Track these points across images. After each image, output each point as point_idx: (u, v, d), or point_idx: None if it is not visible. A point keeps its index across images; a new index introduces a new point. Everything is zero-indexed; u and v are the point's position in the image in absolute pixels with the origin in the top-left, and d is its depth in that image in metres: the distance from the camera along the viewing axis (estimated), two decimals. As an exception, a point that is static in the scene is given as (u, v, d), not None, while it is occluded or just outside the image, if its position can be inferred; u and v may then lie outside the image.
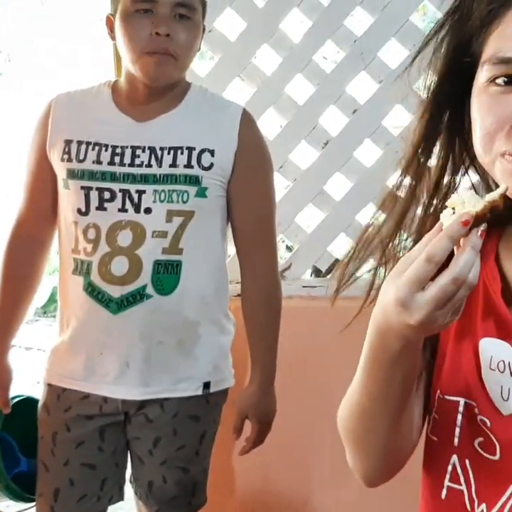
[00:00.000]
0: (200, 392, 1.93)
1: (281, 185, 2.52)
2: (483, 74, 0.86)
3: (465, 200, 0.80)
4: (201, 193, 1.85)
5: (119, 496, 2.02)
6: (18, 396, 2.04)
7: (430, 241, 0.79)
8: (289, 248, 3.70)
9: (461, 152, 0.94)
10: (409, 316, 0.80)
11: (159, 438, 1.94)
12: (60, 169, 1.89)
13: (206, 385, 1.94)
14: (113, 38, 1.86)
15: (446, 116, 0.93)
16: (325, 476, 2.50)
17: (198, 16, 1.82)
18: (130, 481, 2.05)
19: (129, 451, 2.01)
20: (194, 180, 1.84)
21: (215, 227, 1.92)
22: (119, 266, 1.84)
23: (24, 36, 7.62)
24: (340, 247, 2.69)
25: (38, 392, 2.04)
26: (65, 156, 1.87)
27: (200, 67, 2.48)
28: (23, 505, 2.00)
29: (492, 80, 0.85)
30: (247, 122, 1.91)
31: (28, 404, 2.01)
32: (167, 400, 1.92)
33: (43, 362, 2.00)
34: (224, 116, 1.90)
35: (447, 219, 0.80)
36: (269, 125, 2.52)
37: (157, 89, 1.84)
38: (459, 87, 0.90)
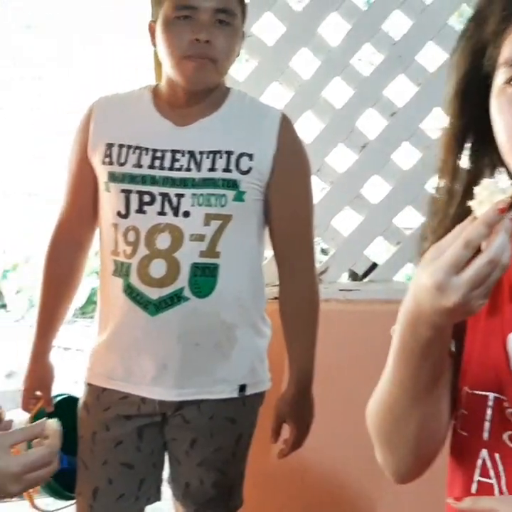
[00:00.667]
0: (236, 394, 1.95)
1: (317, 188, 2.52)
2: (500, 76, 0.90)
3: (491, 188, 0.83)
4: (239, 197, 1.86)
5: (157, 497, 2.04)
6: (60, 395, 2.07)
7: (463, 230, 0.82)
8: (324, 251, 3.70)
9: (490, 153, 0.95)
10: (446, 299, 0.82)
11: (196, 439, 1.95)
12: (102, 172, 1.91)
13: (242, 388, 1.95)
14: (154, 44, 1.87)
15: (472, 118, 0.95)
16: (363, 478, 2.50)
17: (237, 22, 1.83)
18: (168, 482, 2.07)
19: (166, 452, 2.03)
20: (232, 184, 1.85)
21: (252, 231, 1.93)
22: (158, 268, 1.85)
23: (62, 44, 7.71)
24: (377, 250, 2.68)
25: (77, 392, 2.07)
26: (107, 160, 1.90)
27: (237, 71, 2.49)
28: (62, 503, 2.01)
29: (508, 82, 0.89)
30: (286, 126, 1.92)
31: (69, 402, 2.04)
32: (204, 401, 1.93)
33: (84, 362, 2.03)
34: (263, 120, 1.91)
35: (477, 207, 0.83)
36: (307, 128, 2.52)
37: (196, 93, 1.86)
38: (482, 90, 0.93)
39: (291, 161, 1.91)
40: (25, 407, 2.03)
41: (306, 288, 1.97)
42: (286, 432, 2.01)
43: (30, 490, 1.90)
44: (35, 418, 1.96)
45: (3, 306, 6.56)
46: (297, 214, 1.95)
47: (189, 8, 1.78)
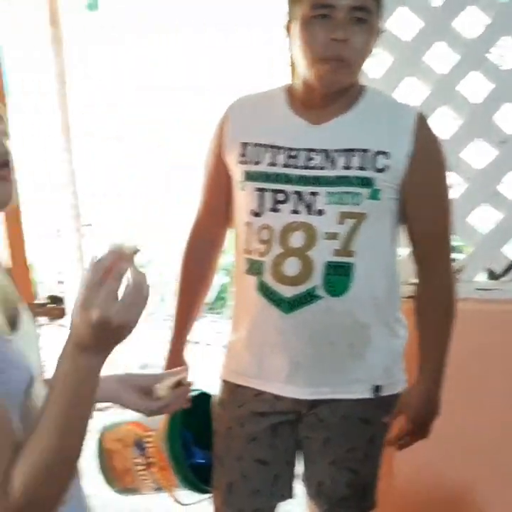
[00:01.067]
0: (370, 395, 1.93)
1: (454, 184, 2.47)
2: None
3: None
4: (374, 195, 1.84)
5: (290, 494, 2.05)
6: (194, 390, 2.10)
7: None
8: (456, 248, 3.61)
9: None
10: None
11: (329, 438, 1.95)
12: (237, 171, 1.93)
13: (377, 388, 1.93)
14: (290, 43, 1.88)
15: None
16: (492, 479, 2.44)
17: (374, 19, 1.79)
18: (301, 480, 2.07)
19: (300, 450, 2.04)
20: (367, 183, 1.83)
21: (387, 230, 1.91)
22: (291, 266, 1.86)
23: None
24: (517, 249, 2.60)
25: (202, 385, 2.10)
26: (242, 159, 1.91)
27: (372, 67, 2.46)
28: (200, 496, 2.05)
29: None
30: (422, 125, 1.88)
31: (202, 398, 2.07)
32: (337, 401, 1.93)
33: (219, 358, 2.06)
34: (399, 118, 1.88)
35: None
36: (443, 124, 2.47)
37: (331, 93, 1.84)
38: None
39: (428, 159, 1.87)
40: None
41: (444, 287, 1.94)
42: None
43: (169, 484, 1.95)
44: (172, 414, 2.00)
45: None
46: (435, 213, 1.92)
47: (326, 6, 1.75)
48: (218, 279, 5.05)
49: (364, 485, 2.01)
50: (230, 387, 2.01)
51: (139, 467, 1.96)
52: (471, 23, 2.50)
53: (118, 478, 2.01)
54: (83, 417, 1.07)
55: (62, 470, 1.05)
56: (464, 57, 2.43)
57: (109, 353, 1.08)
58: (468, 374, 2.34)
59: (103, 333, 1.03)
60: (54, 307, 4.76)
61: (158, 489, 1.99)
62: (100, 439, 2.00)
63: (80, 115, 5.52)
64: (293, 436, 2.00)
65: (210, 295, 6.20)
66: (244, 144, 1.91)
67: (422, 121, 1.89)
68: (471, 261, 2.51)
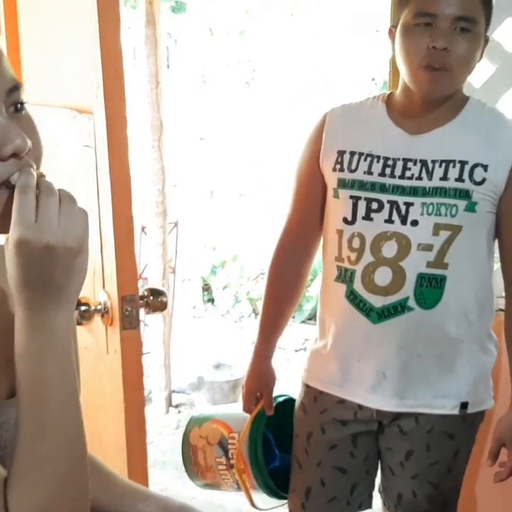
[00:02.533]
0: (456, 411, 1.90)
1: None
2: None
3: None
4: (470, 208, 1.81)
5: (368, 503, 2.04)
6: (280, 395, 2.10)
7: None
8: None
9: None
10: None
11: (412, 451, 1.92)
12: (331, 178, 1.92)
13: (463, 405, 1.90)
14: (393, 49, 1.86)
15: None
16: None
17: (479, 29, 1.76)
18: (379, 491, 2.06)
19: (380, 461, 2.02)
20: (464, 195, 1.80)
21: (483, 244, 1.87)
22: (383, 276, 1.84)
23: (271, 47, 7.88)
24: None
25: (291, 392, 2.11)
26: (338, 166, 1.91)
27: (474, 76, 2.43)
28: (277, 501, 2.06)
29: None
30: None
31: (288, 403, 2.07)
32: (422, 414, 1.90)
33: (302, 362, 2.06)
34: (501, 131, 1.83)
35: None
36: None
37: (432, 102, 1.82)
38: None
39: None
40: (247, 408, 2.06)
41: None
42: (503, 455, 1.93)
43: (248, 486, 1.97)
44: (255, 419, 2.02)
45: (211, 300, 6.81)
46: None
47: (429, 15, 1.74)
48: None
49: (445, 500, 1.98)
50: (313, 392, 2.01)
51: (221, 466, 1.99)
52: None
53: (200, 473, 2.04)
54: (64, 407, 0.84)
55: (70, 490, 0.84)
56: None
57: (66, 303, 0.86)
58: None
59: (30, 265, 0.83)
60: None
61: (238, 489, 2.01)
62: (186, 434, 2.03)
63: (170, 114, 5.60)
64: (374, 447, 1.99)
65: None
66: (341, 152, 1.91)
67: None
68: None
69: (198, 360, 4.91)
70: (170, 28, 7.67)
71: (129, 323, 1.69)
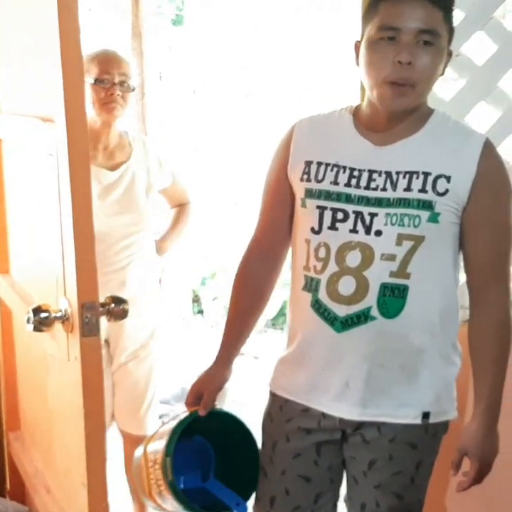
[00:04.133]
0: (419, 421, 1.90)
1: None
2: None
3: None
4: (433, 219, 1.82)
5: None
6: (228, 413, 2.08)
7: None
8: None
9: None
10: None
11: (375, 460, 1.93)
12: (299, 188, 1.94)
13: (426, 415, 1.90)
14: (358, 63, 1.88)
15: None
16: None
17: (442, 42, 1.78)
18: (344, 500, 2.06)
19: (345, 470, 2.02)
20: (427, 205, 1.81)
21: (446, 254, 1.88)
22: (347, 286, 1.85)
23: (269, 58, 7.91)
24: None
25: (262, 400, 2.11)
26: (305, 176, 1.92)
27: (444, 90, 2.45)
28: None
29: None
30: (489, 152, 1.85)
31: (227, 420, 2.06)
32: (385, 423, 1.90)
33: (270, 371, 2.06)
34: (465, 144, 1.85)
35: None
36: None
37: (396, 115, 1.84)
38: None
39: (492, 187, 1.84)
40: (187, 403, 2.06)
41: (499, 317, 1.89)
42: (466, 465, 1.93)
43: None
44: (190, 417, 2.00)
45: (201, 311, 6.82)
46: (495, 242, 1.87)
47: (393, 29, 1.76)
48: (282, 294, 5.05)
49: (408, 510, 1.97)
50: (279, 401, 2.01)
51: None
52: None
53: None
54: None
55: None
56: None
57: None
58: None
59: None
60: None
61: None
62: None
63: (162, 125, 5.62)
64: (338, 456, 1.99)
65: (272, 311, 6.25)
66: (308, 162, 1.93)
67: (489, 149, 1.85)
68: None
69: (184, 371, 4.91)
70: (171, 40, 7.70)
71: (89, 331, 1.69)
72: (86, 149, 1.64)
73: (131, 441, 2.94)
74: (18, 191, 2.19)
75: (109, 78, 2.69)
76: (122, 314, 1.81)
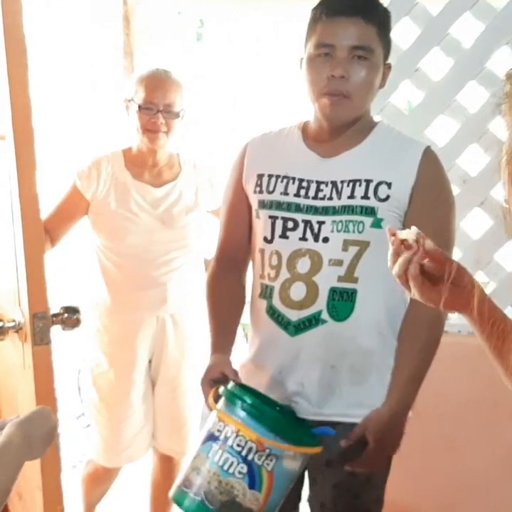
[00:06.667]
0: None
1: (480, 222, 2.49)
2: None
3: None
4: (377, 224, 1.89)
5: None
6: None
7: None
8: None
9: None
10: None
11: (330, 460, 1.97)
12: (253, 200, 2.03)
13: None
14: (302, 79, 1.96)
15: None
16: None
17: (376, 57, 1.87)
18: (307, 500, 2.10)
19: (306, 471, 2.06)
20: (370, 211, 1.88)
21: None
22: (298, 291, 1.93)
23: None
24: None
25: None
26: (257, 189, 2.02)
27: (403, 104, 2.52)
28: None
29: None
30: (429, 159, 1.92)
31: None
32: (339, 423, 1.95)
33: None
34: (405, 152, 1.93)
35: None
36: (472, 161, 2.50)
37: (339, 127, 1.93)
38: None
39: (431, 193, 1.90)
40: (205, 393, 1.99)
41: (427, 315, 1.90)
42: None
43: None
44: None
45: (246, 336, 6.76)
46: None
47: (328, 46, 1.86)
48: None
49: (366, 509, 2.03)
50: None
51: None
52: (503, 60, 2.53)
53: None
54: None
55: None
56: (493, 96, 2.45)
57: None
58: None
59: None
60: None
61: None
62: None
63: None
64: None
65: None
66: (260, 175, 2.02)
67: (429, 156, 1.93)
68: (496, 297, 2.49)
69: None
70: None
71: (41, 339, 1.77)
72: (33, 166, 1.72)
73: (169, 464, 2.96)
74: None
75: (154, 106, 2.69)
76: (76, 323, 1.88)
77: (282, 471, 1.77)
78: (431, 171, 1.92)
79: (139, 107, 2.70)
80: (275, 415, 1.81)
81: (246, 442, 1.74)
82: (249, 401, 1.77)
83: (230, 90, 7.26)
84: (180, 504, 1.80)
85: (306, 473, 2.07)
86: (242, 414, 1.76)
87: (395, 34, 2.48)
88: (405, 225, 1.91)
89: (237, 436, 1.75)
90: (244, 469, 1.74)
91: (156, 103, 2.69)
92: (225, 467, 1.75)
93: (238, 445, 1.75)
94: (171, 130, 2.73)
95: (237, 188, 2.08)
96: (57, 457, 1.83)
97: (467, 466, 2.41)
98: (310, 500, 2.08)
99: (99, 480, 2.98)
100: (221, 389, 1.85)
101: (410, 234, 1.35)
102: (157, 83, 2.72)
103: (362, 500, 2.01)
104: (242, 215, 2.08)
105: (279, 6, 4.08)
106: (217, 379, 1.95)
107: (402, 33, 2.54)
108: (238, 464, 1.74)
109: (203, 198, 2.86)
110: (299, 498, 2.12)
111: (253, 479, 1.75)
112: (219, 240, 2.16)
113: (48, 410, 1.45)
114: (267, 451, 1.74)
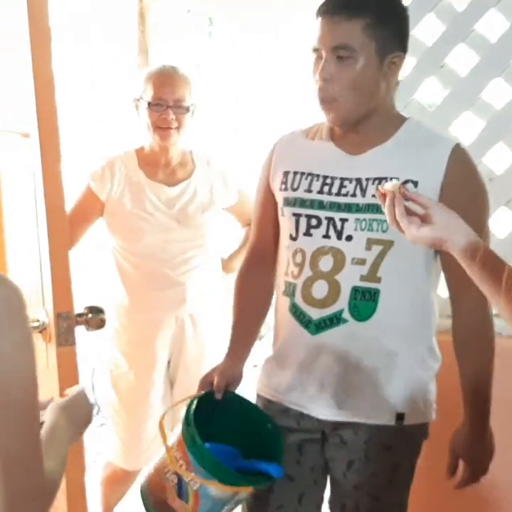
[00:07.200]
0: (392, 422, 1.93)
1: (508, 221, 2.46)
2: None
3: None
4: None
5: None
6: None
7: None
8: None
9: None
10: None
11: (352, 461, 1.96)
12: (279, 198, 2.02)
13: (399, 416, 1.93)
14: None
15: None
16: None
17: (361, 54, 1.81)
18: (328, 502, 2.08)
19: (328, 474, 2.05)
20: None
21: (418, 259, 1.90)
22: (320, 289, 1.91)
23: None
24: None
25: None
26: (283, 186, 2.00)
27: (427, 101, 2.49)
28: None
29: None
30: (459, 157, 1.87)
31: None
32: (360, 424, 1.94)
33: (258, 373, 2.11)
34: (433, 149, 1.88)
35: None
36: (497, 160, 2.46)
37: (349, 127, 1.91)
38: None
39: (462, 192, 1.85)
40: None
41: (475, 322, 1.91)
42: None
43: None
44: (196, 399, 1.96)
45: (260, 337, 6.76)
46: None
47: (316, 49, 1.85)
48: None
49: None
50: (263, 402, 2.07)
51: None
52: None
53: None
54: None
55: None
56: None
57: None
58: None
59: None
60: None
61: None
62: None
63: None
64: (320, 457, 2.02)
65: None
66: (286, 173, 2.00)
67: (459, 154, 1.87)
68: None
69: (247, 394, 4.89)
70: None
71: (65, 340, 1.75)
72: (58, 164, 1.70)
73: None
74: (7, 207, 2.25)
75: (163, 102, 2.68)
76: (100, 324, 1.86)
77: (208, 494, 1.83)
78: (461, 170, 1.87)
79: (149, 104, 2.68)
80: (203, 451, 1.83)
81: (179, 458, 1.84)
82: (186, 428, 1.85)
83: (235, 88, 7.25)
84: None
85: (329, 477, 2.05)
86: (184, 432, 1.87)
87: (419, 31, 2.47)
88: None
89: (176, 449, 1.86)
90: (175, 480, 1.85)
91: (165, 99, 2.67)
92: (165, 470, 1.87)
93: (175, 456, 1.85)
94: (182, 126, 2.72)
95: (266, 187, 2.07)
96: (81, 460, 1.81)
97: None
98: (331, 502, 2.06)
99: (119, 482, 2.96)
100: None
101: (393, 187, 1.52)
102: (165, 79, 2.71)
103: (383, 502, 1.98)
104: (270, 213, 2.07)
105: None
106: (209, 383, 2.02)
107: (427, 29, 2.50)
108: (171, 473, 1.86)
109: (218, 194, 2.85)
110: (321, 500, 2.10)
111: (181, 491, 1.85)
112: (251, 238, 2.17)
113: (85, 394, 1.47)
114: (193, 474, 1.82)
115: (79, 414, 1.42)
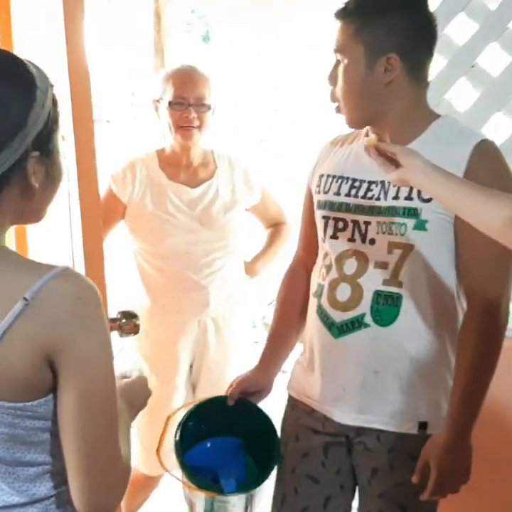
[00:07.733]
0: (415, 431, 1.87)
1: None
2: None
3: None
4: (420, 226, 1.81)
5: None
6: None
7: None
8: None
9: None
10: None
11: (377, 469, 1.92)
12: (314, 201, 2.03)
13: (422, 425, 1.87)
14: None
15: None
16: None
17: (352, 56, 1.81)
18: (357, 509, 2.05)
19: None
20: (413, 213, 1.81)
21: (440, 262, 1.84)
22: (343, 292, 1.90)
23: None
24: None
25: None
26: (317, 189, 2.01)
27: (460, 101, 2.46)
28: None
29: None
30: (482, 153, 1.78)
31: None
32: (383, 432, 1.89)
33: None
34: (457, 146, 1.81)
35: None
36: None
37: (368, 128, 1.91)
38: None
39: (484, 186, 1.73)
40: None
41: (484, 324, 1.81)
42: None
43: None
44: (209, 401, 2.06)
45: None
46: (485, 247, 1.73)
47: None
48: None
49: None
50: (292, 401, 2.07)
51: None
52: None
53: None
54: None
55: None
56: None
57: None
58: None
59: None
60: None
61: None
62: None
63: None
64: (346, 461, 1.99)
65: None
66: (321, 176, 2.01)
67: (482, 149, 1.79)
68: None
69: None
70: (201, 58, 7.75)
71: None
72: (94, 166, 1.67)
73: None
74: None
75: (184, 100, 2.67)
76: (134, 329, 1.82)
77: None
78: (485, 166, 1.77)
79: (170, 103, 2.68)
80: (182, 461, 2.01)
81: None
82: (177, 436, 2.02)
83: (234, 88, 7.23)
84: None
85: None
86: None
87: (450, 30, 2.43)
88: (456, 228, 1.80)
89: None
90: None
91: (186, 97, 2.67)
92: None
93: None
94: (204, 124, 2.71)
95: (308, 192, 2.08)
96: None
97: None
98: (359, 509, 2.02)
99: (140, 488, 2.93)
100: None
101: (369, 141, 1.73)
102: (185, 78, 2.71)
103: None
104: (311, 216, 2.06)
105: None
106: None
107: (459, 29, 2.47)
108: None
109: (241, 194, 2.83)
110: (349, 508, 2.07)
111: None
112: (298, 243, 2.19)
113: (145, 379, 1.48)
114: None
115: (137, 400, 1.42)
